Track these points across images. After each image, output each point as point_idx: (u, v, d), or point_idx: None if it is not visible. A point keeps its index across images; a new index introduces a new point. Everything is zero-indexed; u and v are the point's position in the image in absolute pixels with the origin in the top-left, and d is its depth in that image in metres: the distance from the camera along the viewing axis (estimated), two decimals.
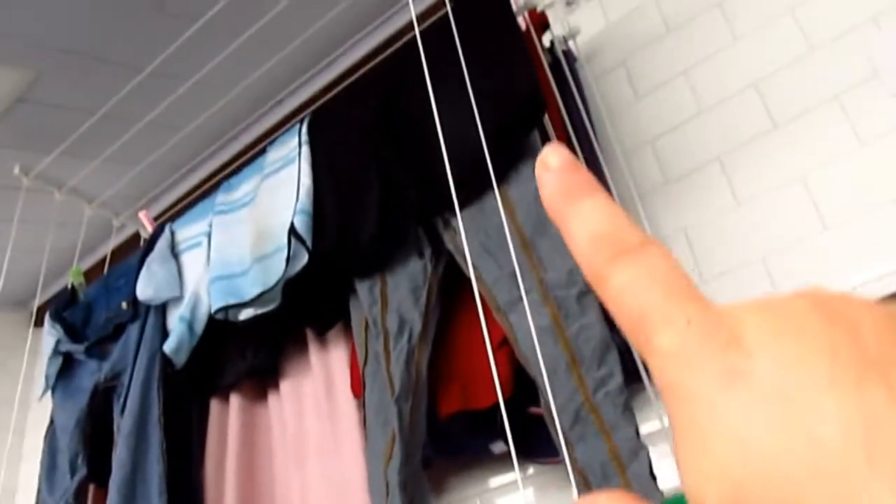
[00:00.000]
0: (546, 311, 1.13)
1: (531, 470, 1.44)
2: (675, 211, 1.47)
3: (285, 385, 1.55)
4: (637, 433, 1.05)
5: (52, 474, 1.69)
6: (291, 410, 1.52)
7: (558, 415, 1.08)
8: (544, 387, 1.06)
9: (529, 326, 1.13)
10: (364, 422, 1.34)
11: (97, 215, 2.20)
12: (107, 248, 2.41)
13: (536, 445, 1.32)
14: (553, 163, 0.23)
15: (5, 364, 2.62)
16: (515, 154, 1.25)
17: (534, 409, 1.29)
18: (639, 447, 1.04)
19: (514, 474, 1.45)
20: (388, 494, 1.21)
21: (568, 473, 1.26)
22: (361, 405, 1.42)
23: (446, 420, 1.30)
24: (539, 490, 1.42)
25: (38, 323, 2.64)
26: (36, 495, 1.71)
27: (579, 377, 1.08)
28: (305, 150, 1.48)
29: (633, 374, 1.20)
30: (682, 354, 0.18)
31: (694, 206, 1.45)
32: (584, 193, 0.22)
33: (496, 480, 1.48)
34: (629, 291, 0.20)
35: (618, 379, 1.08)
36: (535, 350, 1.11)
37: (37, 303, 2.63)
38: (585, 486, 1.05)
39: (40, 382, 2.13)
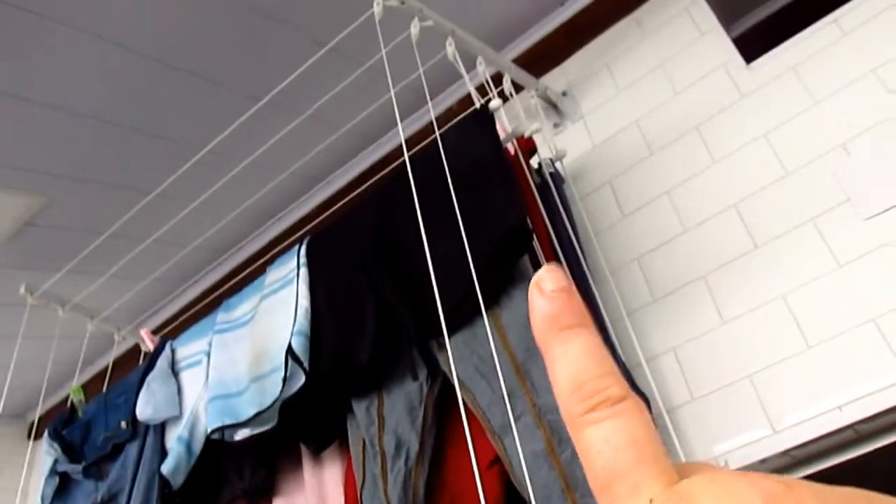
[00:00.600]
0: (540, 435, 1.15)
1: None
2: (663, 329, 1.50)
3: (279, 502, 1.55)
4: None
5: None
6: None
7: None
8: None
9: (523, 451, 1.15)
10: None
11: (99, 329, 2.23)
12: (108, 360, 2.43)
13: None
14: (547, 287, 0.24)
15: (1, 478, 2.60)
16: (506, 279, 1.30)
17: None
18: None
19: None
20: None
21: None
22: None
23: None
24: None
25: (36, 436, 2.64)
26: None
27: (573, 503, 1.09)
28: (304, 271, 1.53)
29: None
30: None
31: (681, 324, 1.49)
32: (573, 328, 0.23)
33: None
34: (601, 453, 0.21)
35: None
36: (527, 476, 1.13)
37: (37, 414, 2.64)
38: None
39: (36, 498, 2.12)
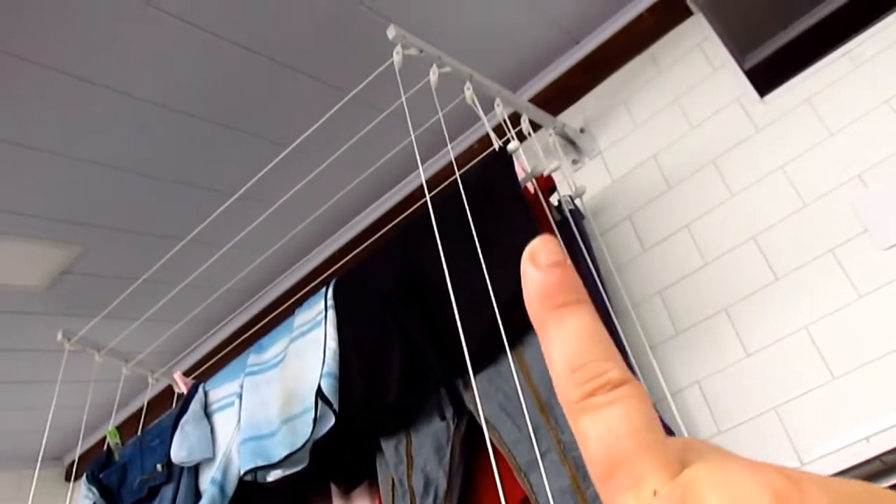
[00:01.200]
0: (565, 472, 1.16)
1: None
2: (687, 362, 1.51)
3: None
4: None
5: None
6: None
7: None
8: None
9: (549, 488, 1.16)
10: None
11: (133, 373, 2.29)
12: (142, 401, 2.48)
13: None
14: (542, 260, 0.23)
15: None
16: (529, 319, 1.32)
17: None
18: None
19: None
20: None
21: None
22: None
23: None
24: None
25: (75, 477, 2.69)
26: None
27: None
28: (331, 314, 1.57)
29: None
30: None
31: (705, 357, 1.49)
32: (569, 305, 0.22)
33: None
34: (601, 441, 0.20)
35: None
36: None
37: (76, 456, 2.69)
38: None
39: None
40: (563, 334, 0.22)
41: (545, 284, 0.22)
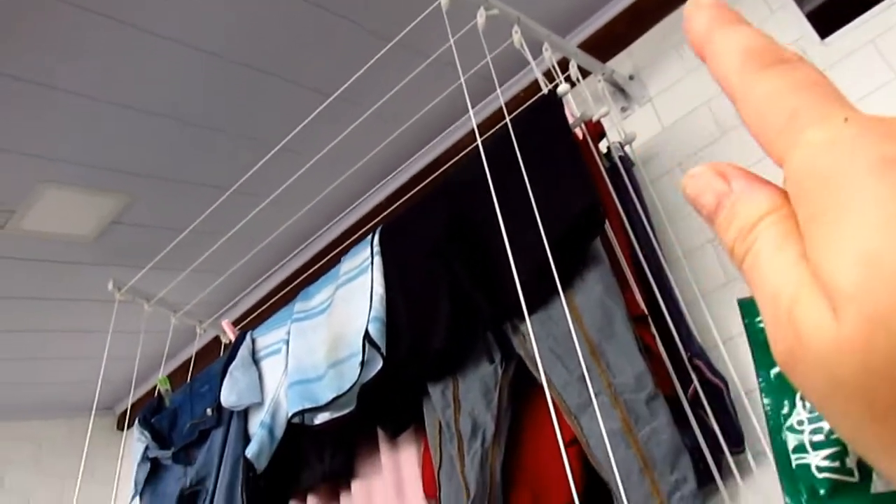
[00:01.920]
0: (616, 415, 1.15)
1: None
2: (738, 310, 1.48)
3: (357, 486, 1.59)
4: None
5: None
6: None
7: None
8: (618, 492, 1.07)
9: (600, 430, 1.15)
10: None
11: (182, 323, 2.32)
12: (190, 352, 2.53)
13: None
14: (705, 2, 0.23)
15: (94, 469, 2.73)
16: (579, 262, 1.30)
17: None
18: None
19: None
20: None
21: None
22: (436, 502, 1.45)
23: None
24: None
25: (127, 426, 2.77)
26: None
27: (652, 482, 1.09)
28: (378, 260, 1.57)
29: (705, 476, 1.20)
30: (837, 143, 0.18)
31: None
32: (741, 21, 0.22)
33: None
34: (783, 92, 0.20)
35: (691, 484, 1.09)
36: (607, 454, 1.13)
37: (128, 403, 2.75)
38: None
39: (127, 485, 2.22)
40: (738, 33, 0.22)
41: (715, 11, 0.22)
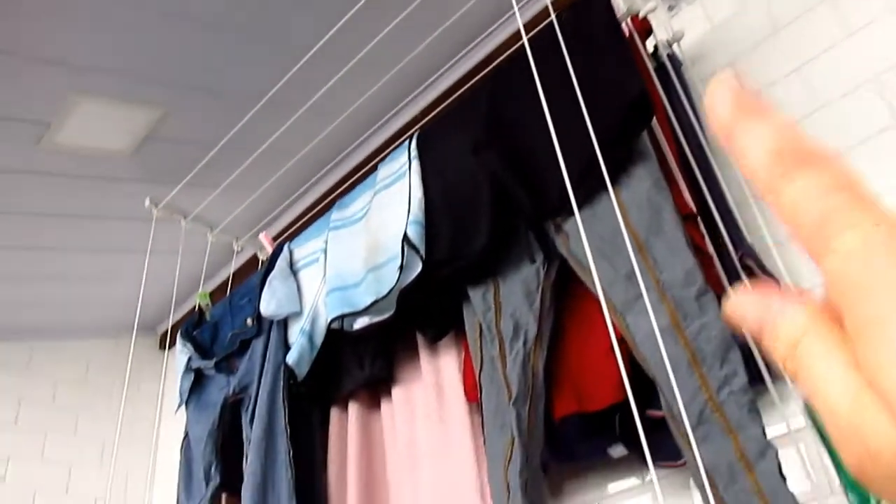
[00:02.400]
0: (664, 311, 1.12)
1: (649, 477, 1.42)
2: None
3: (397, 392, 1.60)
4: (764, 433, 1.03)
5: (188, 483, 1.79)
6: (403, 417, 1.56)
7: (680, 416, 1.07)
8: (668, 384, 1.05)
9: (647, 327, 1.13)
10: (482, 426, 1.37)
11: (219, 240, 2.33)
12: (227, 273, 2.55)
13: (656, 449, 1.30)
14: (731, 83, 0.23)
15: (139, 386, 2.80)
16: (625, 157, 1.25)
17: (653, 413, 1.27)
18: (766, 446, 1.01)
19: (633, 480, 1.44)
20: (509, 495, 1.22)
21: (690, 476, 1.24)
22: (475, 409, 1.44)
23: (561, 423, 1.30)
24: (657, 497, 1.40)
25: (169, 346, 2.82)
26: (175, 503, 1.82)
27: (701, 376, 1.07)
28: (415, 164, 1.53)
29: (755, 377, 1.17)
30: (869, 250, 0.18)
31: None
32: (766, 112, 0.22)
33: (615, 486, 1.46)
34: (811, 197, 0.20)
35: (742, 378, 1.06)
36: (654, 350, 1.10)
37: (169, 324, 2.80)
38: (712, 486, 1.03)
39: (171, 400, 2.27)
40: (764, 129, 0.21)
41: (739, 98, 0.22)
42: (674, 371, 1.07)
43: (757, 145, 0.21)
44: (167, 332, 2.86)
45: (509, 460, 1.25)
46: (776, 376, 1.23)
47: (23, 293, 2.53)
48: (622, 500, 1.45)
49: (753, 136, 0.21)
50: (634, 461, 1.42)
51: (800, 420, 1.23)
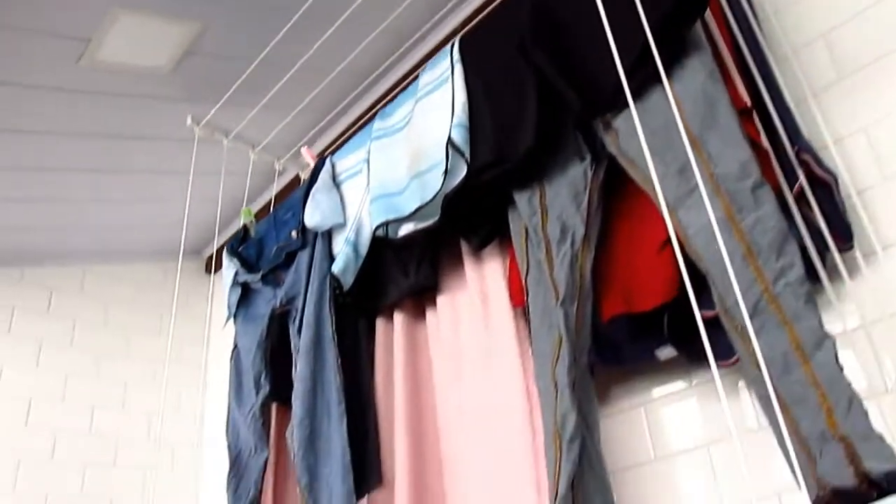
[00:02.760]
0: (718, 205, 1.09)
1: (696, 380, 1.41)
2: (851, 109, 1.36)
3: (442, 300, 1.60)
4: (821, 323, 1.00)
5: (239, 393, 1.84)
6: (448, 324, 1.57)
7: (734, 308, 1.05)
8: (722, 277, 1.03)
9: (700, 221, 1.10)
10: (528, 330, 1.37)
11: (261, 160, 2.34)
12: (270, 195, 2.56)
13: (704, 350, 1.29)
14: None
15: (188, 308, 2.86)
16: (678, 49, 1.21)
17: (703, 313, 1.26)
18: (823, 336, 0.99)
19: (680, 383, 1.43)
20: (556, 393, 1.22)
21: (741, 376, 1.23)
22: (521, 315, 1.44)
23: (609, 325, 1.29)
24: (705, 398, 1.39)
25: (214, 269, 2.87)
26: (227, 412, 1.87)
27: (756, 269, 1.04)
28: (458, 68, 1.50)
29: (812, 277, 1.14)
30: None
31: (874, 102, 1.34)
32: None
33: (660, 390, 1.46)
34: None
35: (798, 269, 1.04)
36: (707, 244, 1.08)
37: (214, 247, 2.85)
38: (762, 382, 1.02)
39: (218, 322, 2.31)
40: None
41: None
42: (728, 264, 1.05)
43: None
44: (212, 255, 2.90)
45: (557, 359, 1.25)
46: (833, 275, 1.20)
47: (68, 216, 2.58)
48: (668, 403, 1.45)
49: None
50: (681, 364, 1.41)
51: (856, 319, 1.21)
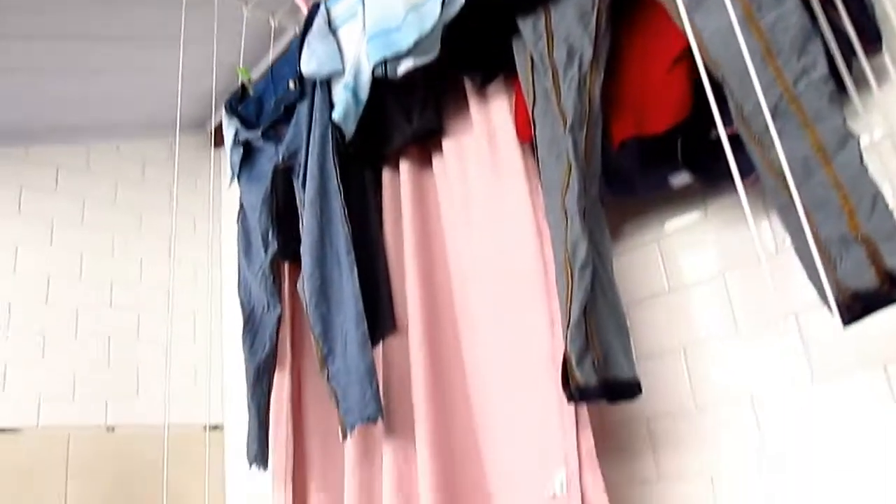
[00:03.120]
0: (737, 3, 1.01)
1: (711, 208, 1.37)
2: None
3: (448, 144, 1.55)
4: (844, 122, 0.94)
5: (248, 252, 1.83)
6: (455, 168, 1.52)
7: (752, 115, 0.99)
8: (739, 82, 0.97)
9: (716, 23, 1.03)
10: (537, 166, 1.32)
11: (255, 18, 2.23)
12: (267, 61, 2.46)
13: (721, 172, 1.23)
14: None
15: (196, 183, 2.84)
16: None
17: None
18: (847, 136, 0.93)
19: (694, 215, 1.39)
20: (567, 222, 1.19)
21: (763, 182, 1.18)
22: (529, 152, 1.39)
23: (620, 151, 1.24)
24: (721, 225, 1.35)
25: (217, 143, 2.81)
26: (237, 273, 1.87)
27: (776, 69, 0.97)
28: None
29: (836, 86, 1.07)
30: None
31: None
32: None
33: (673, 224, 1.42)
34: None
35: (822, 68, 0.96)
36: (724, 46, 1.01)
37: (214, 121, 2.78)
38: (783, 187, 0.97)
39: (228, 196, 2.28)
40: None
41: None
42: (746, 64, 0.98)
43: None
44: (214, 128, 2.84)
45: (566, 188, 1.21)
46: (860, 83, 1.13)
47: (67, 89, 2.51)
48: (681, 236, 1.41)
49: None
50: (695, 193, 1.37)
51: (883, 129, 1.14)
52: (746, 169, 1.15)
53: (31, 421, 2.32)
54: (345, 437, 1.46)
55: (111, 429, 2.45)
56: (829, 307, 0.94)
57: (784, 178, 0.96)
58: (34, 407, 2.33)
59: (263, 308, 1.74)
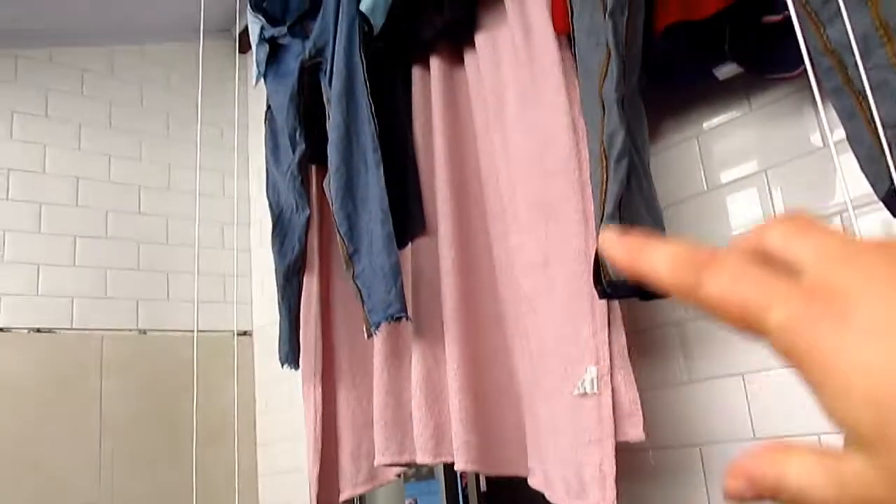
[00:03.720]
0: None
1: (755, 103, 1.31)
2: None
3: (480, 38, 1.49)
4: None
5: (276, 152, 1.80)
6: (488, 63, 1.47)
7: None
8: None
9: None
10: (574, 58, 1.26)
11: None
12: None
13: (769, 60, 1.17)
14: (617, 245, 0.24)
15: (224, 89, 2.79)
16: None
17: (769, 18, 1.13)
18: None
19: (734, 112, 1.33)
20: (604, 113, 1.14)
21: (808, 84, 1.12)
22: (566, 45, 1.33)
23: (664, 37, 1.17)
24: (765, 121, 1.29)
25: (242, 49, 2.76)
26: (265, 175, 1.85)
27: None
28: None
29: None
30: (795, 321, 0.19)
31: None
32: (648, 246, 0.23)
33: (713, 122, 1.36)
34: (725, 292, 0.21)
35: None
36: None
37: (239, 26, 2.72)
38: (840, 68, 0.91)
39: (256, 103, 2.23)
40: (655, 255, 0.23)
41: (625, 250, 0.24)
42: None
43: (658, 266, 0.22)
44: (241, 34, 2.78)
45: (604, 77, 1.15)
46: None
47: None
48: (723, 134, 1.36)
49: (653, 261, 0.23)
50: (738, 89, 1.31)
51: None
52: (792, 63, 1.09)
53: (66, 322, 2.36)
54: (370, 335, 1.46)
55: (143, 332, 2.49)
56: (879, 197, 0.90)
57: (840, 59, 0.90)
58: (67, 309, 2.37)
59: (292, 210, 1.73)
